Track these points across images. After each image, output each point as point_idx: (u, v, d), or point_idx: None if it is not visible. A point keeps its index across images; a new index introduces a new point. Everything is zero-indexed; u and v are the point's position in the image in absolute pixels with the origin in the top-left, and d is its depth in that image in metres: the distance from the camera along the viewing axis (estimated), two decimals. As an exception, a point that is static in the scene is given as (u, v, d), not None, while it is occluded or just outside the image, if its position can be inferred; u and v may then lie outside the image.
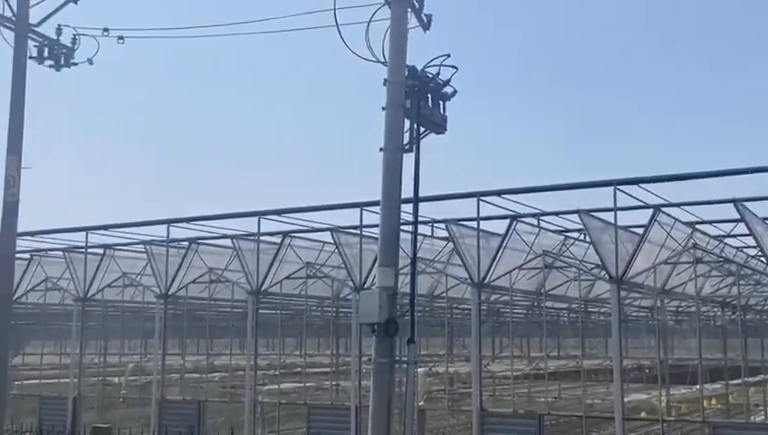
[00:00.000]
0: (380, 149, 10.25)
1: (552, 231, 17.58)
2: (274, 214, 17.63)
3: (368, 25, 10.27)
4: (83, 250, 20.10)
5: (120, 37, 13.42)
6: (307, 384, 18.06)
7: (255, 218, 17.59)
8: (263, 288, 17.44)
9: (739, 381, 17.72)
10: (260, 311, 17.79)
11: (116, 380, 22.39)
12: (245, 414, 16.76)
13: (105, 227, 19.96)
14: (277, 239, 17.88)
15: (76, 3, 13.24)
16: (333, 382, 18.13)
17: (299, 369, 21.54)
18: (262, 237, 17.79)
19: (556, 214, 16.85)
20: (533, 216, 16.54)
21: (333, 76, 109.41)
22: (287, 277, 17.50)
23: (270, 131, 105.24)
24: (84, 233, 19.99)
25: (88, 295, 19.76)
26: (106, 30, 13.30)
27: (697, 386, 16.94)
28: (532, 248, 16.27)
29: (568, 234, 18.14)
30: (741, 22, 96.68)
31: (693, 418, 18.12)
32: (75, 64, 13.60)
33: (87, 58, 13.52)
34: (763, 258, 13.80)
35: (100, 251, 20.14)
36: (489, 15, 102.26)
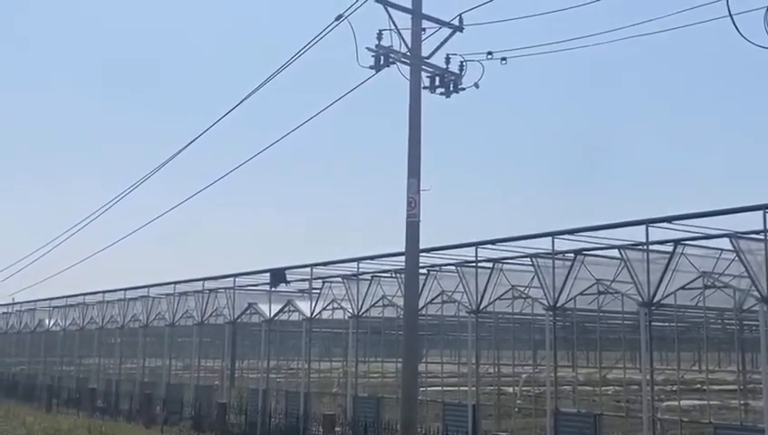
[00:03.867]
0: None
1: None
2: (664, 221, 16.79)
3: (767, 11, 9.39)
4: (474, 265, 21.11)
5: (503, 58, 13.93)
6: (711, 402, 16.81)
7: (643, 227, 16.96)
8: (654, 300, 16.67)
9: None
10: (653, 323, 17.03)
11: (510, 389, 23.10)
12: (644, 431, 16.11)
13: (493, 242, 20.73)
14: (668, 248, 16.99)
15: (462, 31, 14.07)
16: (741, 401, 16.66)
17: (698, 385, 20.20)
18: (651, 246, 17.06)
19: None
20: None
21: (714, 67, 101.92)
22: (682, 288, 16.51)
23: (651, 135, 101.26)
24: (474, 248, 21.00)
25: (480, 308, 20.66)
26: (490, 53, 13.90)
27: None
28: None
29: None
30: None
31: None
32: (463, 89, 14.41)
33: (473, 82, 14.25)
34: None
35: (489, 265, 20.98)
36: None
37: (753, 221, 15.41)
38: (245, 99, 17.55)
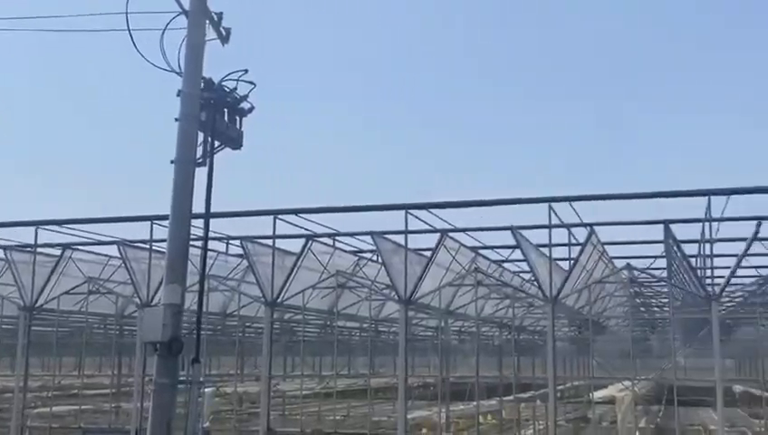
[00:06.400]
0: (171, 162, 9.88)
1: (347, 251, 17.87)
2: (54, 224, 16.52)
3: (162, 33, 9.86)
4: None
5: None
6: (84, 407, 16.97)
7: (32, 229, 16.40)
8: (38, 304, 16.27)
9: (512, 397, 18.91)
10: (34, 328, 16.56)
11: None
12: (12, 440, 15.46)
13: None
14: (57, 252, 16.75)
15: None
16: (113, 404, 17.19)
17: (76, 390, 20.22)
18: (39, 249, 16.61)
19: (351, 235, 17.14)
20: (329, 236, 16.73)
21: (125, 80, 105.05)
22: (66, 292, 16.46)
23: (54, 135, 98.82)
24: None
25: None
26: None
27: (475, 402, 17.86)
28: (326, 268, 16.43)
29: (361, 254, 18.51)
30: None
31: (469, 433, 19.06)
32: None
33: None
34: (535, 282, 14.81)
35: None
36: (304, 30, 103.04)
37: (142, 231, 16.23)
38: None
